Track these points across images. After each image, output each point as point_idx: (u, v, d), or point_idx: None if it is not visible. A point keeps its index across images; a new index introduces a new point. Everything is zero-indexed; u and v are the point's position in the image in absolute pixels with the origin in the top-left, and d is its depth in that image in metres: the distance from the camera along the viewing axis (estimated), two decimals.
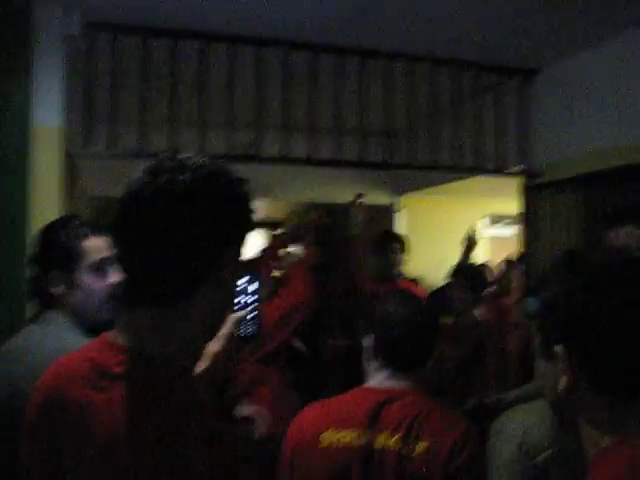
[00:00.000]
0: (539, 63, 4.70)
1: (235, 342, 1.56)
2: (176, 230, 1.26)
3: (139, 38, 3.89)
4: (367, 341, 2.36)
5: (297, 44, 4.14)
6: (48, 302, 2.19)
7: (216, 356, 1.50)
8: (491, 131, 4.76)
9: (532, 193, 4.81)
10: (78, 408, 1.28)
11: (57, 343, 1.97)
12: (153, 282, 1.29)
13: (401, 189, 7.13)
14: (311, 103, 4.22)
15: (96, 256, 2.17)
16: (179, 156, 1.33)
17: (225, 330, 1.52)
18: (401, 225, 7.42)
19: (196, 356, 1.41)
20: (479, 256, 7.35)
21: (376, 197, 6.82)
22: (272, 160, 4.30)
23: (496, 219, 7.91)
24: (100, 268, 2.18)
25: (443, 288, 5.46)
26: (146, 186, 1.28)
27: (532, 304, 3.21)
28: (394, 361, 2.28)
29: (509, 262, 5.89)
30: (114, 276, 2.16)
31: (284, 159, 4.21)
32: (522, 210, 4.95)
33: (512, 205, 5.49)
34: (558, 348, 1.36)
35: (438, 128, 4.78)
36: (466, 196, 7.00)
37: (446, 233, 7.28)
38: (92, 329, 2.08)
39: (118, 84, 3.88)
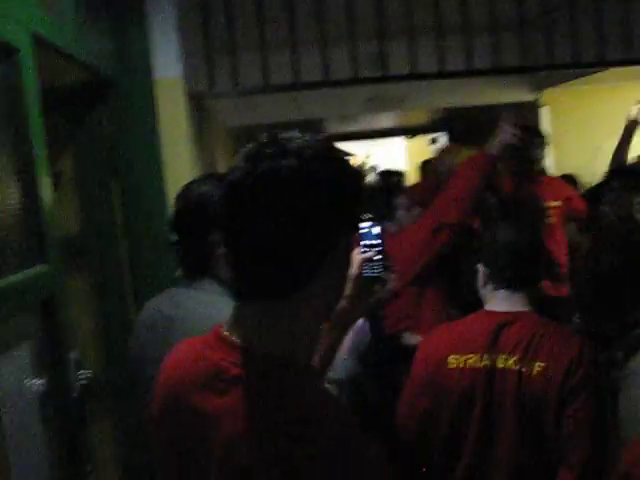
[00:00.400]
0: None
1: (364, 283, 1.58)
2: (285, 220, 1.17)
3: None
4: (479, 267, 2.52)
5: None
6: (200, 268, 2.11)
7: (348, 298, 1.53)
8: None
9: None
10: (194, 413, 1.23)
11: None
12: (265, 276, 1.21)
13: (541, 83, 6.65)
14: (437, 4, 3.93)
15: None
16: (280, 137, 1.24)
17: (353, 271, 1.50)
18: (546, 122, 7.00)
19: (313, 349, 1.35)
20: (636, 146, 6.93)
21: (516, 94, 6.38)
22: (400, 78, 4.05)
23: None
24: None
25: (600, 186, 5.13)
26: (247, 176, 1.20)
27: None
28: (504, 284, 2.41)
29: None
30: None
31: (412, 76, 3.95)
32: None
33: None
34: None
35: (577, 15, 4.25)
36: (614, 83, 6.44)
37: (596, 126, 6.83)
38: None
39: (232, 15, 3.73)
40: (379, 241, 1.60)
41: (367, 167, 13.30)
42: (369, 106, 6.25)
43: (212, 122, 5.33)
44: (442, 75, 3.94)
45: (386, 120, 8.77)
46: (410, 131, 9.61)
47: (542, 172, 5.01)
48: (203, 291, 2.09)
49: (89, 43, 2.96)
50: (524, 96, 6.51)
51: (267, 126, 6.69)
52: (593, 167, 6.67)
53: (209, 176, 2.26)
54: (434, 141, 9.60)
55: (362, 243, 1.59)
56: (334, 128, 8.80)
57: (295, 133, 1.26)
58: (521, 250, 2.41)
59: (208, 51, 3.74)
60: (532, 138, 4.80)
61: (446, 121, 5.80)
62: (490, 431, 2.26)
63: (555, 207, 4.94)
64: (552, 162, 7.09)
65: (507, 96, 5.65)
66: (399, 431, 2.45)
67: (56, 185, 2.98)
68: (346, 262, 1.33)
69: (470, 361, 2.28)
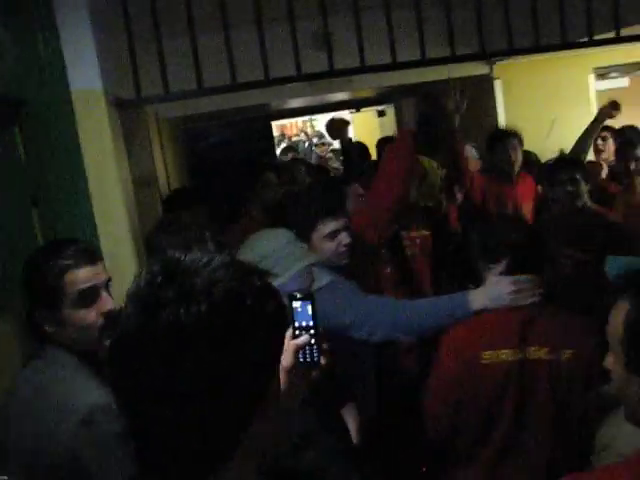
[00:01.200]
0: None
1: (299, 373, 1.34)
2: (196, 383, 0.92)
3: None
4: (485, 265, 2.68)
5: None
6: (45, 338, 2.05)
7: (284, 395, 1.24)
8: None
9: None
10: None
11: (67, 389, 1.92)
12: (177, 453, 0.95)
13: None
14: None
15: (80, 287, 2.01)
16: (178, 265, 0.98)
17: (285, 362, 1.25)
18: (499, 95, 6.76)
19: None
20: (585, 115, 6.77)
21: (469, 68, 6.08)
22: (348, 72, 3.71)
23: (603, 71, 7.07)
24: (87, 299, 2.02)
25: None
26: (143, 331, 0.93)
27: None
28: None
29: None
30: (105, 303, 2.05)
31: (362, 69, 3.60)
32: None
33: (620, 53, 4.78)
34: None
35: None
36: (565, 52, 6.20)
37: (549, 97, 6.63)
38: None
39: (158, 16, 3.33)
40: (312, 322, 1.42)
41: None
42: (314, 90, 5.92)
43: (147, 116, 4.94)
44: (395, 67, 3.59)
45: (331, 94, 8.42)
46: (356, 104, 9.28)
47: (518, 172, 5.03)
48: (52, 362, 2.02)
49: None
50: (477, 70, 6.22)
51: (208, 114, 6.32)
52: (547, 139, 6.52)
53: (55, 245, 2.20)
54: (382, 114, 9.31)
55: (295, 325, 1.41)
56: (277, 105, 8.42)
57: (196, 255, 1.00)
58: (522, 243, 2.58)
59: (132, 56, 3.34)
60: (509, 138, 4.93)
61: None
62: (523, 418, 2.43)
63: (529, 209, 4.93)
64: None
65: (459, 70, 5.35)
66: (429, 424, 2.60)
67: None
68: (281, 405, 1.10)
69: (503, 355, 2.41)
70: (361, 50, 3.57)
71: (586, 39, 3.91)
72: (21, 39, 2.93)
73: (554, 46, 3.90)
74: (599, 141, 5.73)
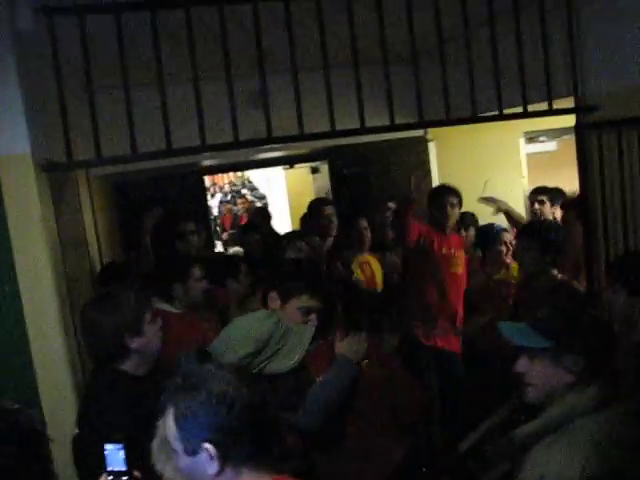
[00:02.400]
0: None
1: None
2: None
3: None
4: None
5: None
6: None
7: None
8: (534, 57, 4.04)
9: (588, 133, 4.05)
10: None
11: None
12: None
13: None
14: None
15: None
16: None
17: None
18: (433, 157, 6.84)
19: None
20: (516, 177, 6.91)
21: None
22: (286, 139, 3.66)
23: (532, 135, 7.25)
24: None
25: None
26: None
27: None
28: None
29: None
30: None
31: (302, 137, 3.56)
32: (578, 154, 4.20)
33: (549, 118, 4.87)
34: None
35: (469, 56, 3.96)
36: None
37: (481, 159, 6.73)
38: None
39: (91, 80, 3.22)
40: (125, 468, 1.43)
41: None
42: (249, 152, 5.85)
43: (76, 174, 4.78)
44: (333, 134, 3.56)
45: (265, 151, 8.37)
46: (290, 161, 9.25)
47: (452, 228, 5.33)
48: None
49: None
50: (413, 132, 6.27)
51: (140, 171, 6.18)
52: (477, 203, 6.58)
53: None
54: (315, 170, 9.30)
55: (108, 469, 1.44)
56: (209, 160, 8.32)
57: None
58: None
59: (64, 119, 3.21)
60: (449, 196, 5.21)
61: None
62: None
63: (461, 257, 5.22)
64: None
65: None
66: None
67: None
68: None
69: None
70: (299, 117, 3.53)
71: (520, 110, 3.96)
72: None
73: (491, 117, 3.94)
74: (536, 205, 5.85)
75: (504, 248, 5.08)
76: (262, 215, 7.92)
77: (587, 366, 2.17)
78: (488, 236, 5.26)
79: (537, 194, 5.96)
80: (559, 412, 2.17)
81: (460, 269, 5.18)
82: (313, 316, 3.04)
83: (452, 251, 5.16)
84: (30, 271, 3.03)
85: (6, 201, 2.95)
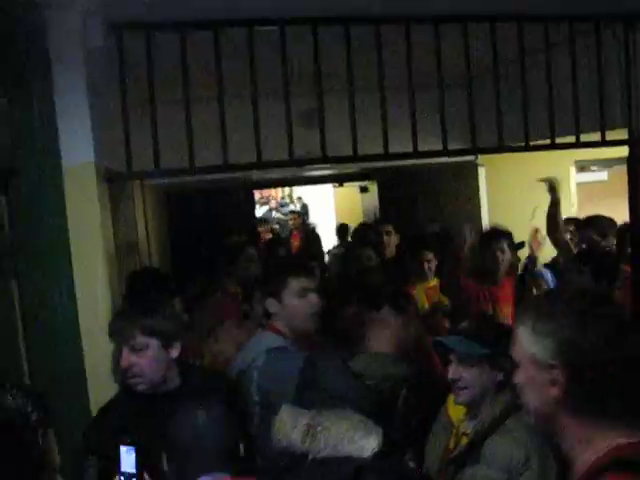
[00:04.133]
0: None
1: None
2: None
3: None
4: None
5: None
6: None
7: None
8: (589, 87, 4.06)
9: None
10: None
11: None
12: None
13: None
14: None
15: None
16: None
17: None
18: (483, 182, 6.87)
19: None
20: (566, 205, 6.88)
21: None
22: (341, 160, 3.74)
23: (584, 164, 7.22)
24: None
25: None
26: None
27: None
28: None
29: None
30: None
31: (355, 158, 3.63)
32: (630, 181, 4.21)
33: (600, 149, 4.87)
34: None
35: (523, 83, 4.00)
36: None
37: (531, 186, 6.70)
38: None
39: (154, 95, 3.34)
40: (135, 470, 1.46)
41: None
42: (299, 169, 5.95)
43: (133, 183, 4.91)
44: (387, 157, 3.62)
45: (315, 168, 8.48)
46: (339, 179, 9.34)
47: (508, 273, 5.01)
48: None
49: None
50: (464, 156, 6.31)
51: (192, 182, 6.32)
52: (526, 229, 6.57)
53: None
54: (364, 189, 9.36)
55: (121, 470, 1.46)
56: (260, 175, 8.45)
57: None
58: None
59: (126, 130, 3.33)
60: (499, 239, 4.90)
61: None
62: None
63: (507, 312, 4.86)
64: (488, 221, 6.97)
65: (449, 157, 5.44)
66: None
67: None
68: None
69: None
70: (354, 138, 3.60)
71: (573, 140, 3.97)
72: (16, 106, 2.91)
73: (543, 146, 3.96)
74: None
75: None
76: (314, 236, 8.09)
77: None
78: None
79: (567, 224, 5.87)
80: (502, 408, 2.50)
81: None
82: (312, 296, 2.98)
83: (497, 309, 4.86)
84: (87, 278, 3.12)
85: (68, 208, 3.06)
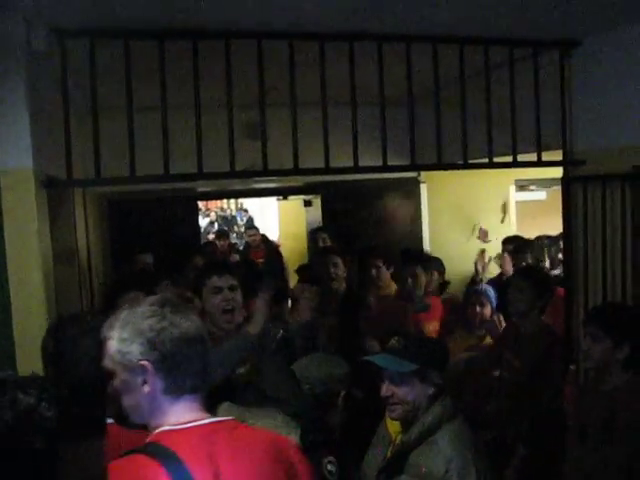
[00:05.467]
0: (580, 34, 4.08)
1: None
2: None
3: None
4: None
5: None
6: None
7: None
8: (525, 111, 4.18)
9: (574, 186, 4.22)
10: None
11: None
12: None
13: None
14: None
15: None
16: None
17: None
18: (424, 198, 6.99)
19: None
20: (507, 223, 7.04)
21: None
22: (281, 173, 3.77)
23: (523, 183, 7.41)
24: None
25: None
26: None
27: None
28: None
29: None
30: None
31: (297, 171, 3.66)
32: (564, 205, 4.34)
33: (539, 169, 5.02)
34: None
35: (464, 109, 4.11)
36: None
37: (472, 204, 6.87)
38: None
39: (97, 102, 3.32)
40: None
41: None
42: (244, 181, 5.96)
43: (73, 191, 4.86)
44: (327, 171, 3.67)
45: (260, 181, 8.49)
46: (283, 192, 9.36)
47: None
48: None
49: None
50: (406, 172, 6.41)
51: (135, 191, 6.27)
52: (467, 243, 6.71)
53: None
54: (308, 203, 9.39)
55: None
56: (204, 186, 8.43)
57: None
58: None
59: (67, 137, 3.31)
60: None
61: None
62: None
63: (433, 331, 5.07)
64: (429, 237, 7.08)
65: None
66: None
67: None
68: None
69: None
70: (295, 151, 3.64)
71: (510, 159, 4.08)
72: None
73: (481, 165, 4.06)
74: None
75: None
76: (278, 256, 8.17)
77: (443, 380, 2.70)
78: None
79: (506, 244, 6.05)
80: (431, 420, 2.62)
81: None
82: (226, 293, 3.32)
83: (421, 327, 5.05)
84: (22, 282, 3.09)
85: (5, 212, 3.02)
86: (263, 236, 10.31)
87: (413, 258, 5.16)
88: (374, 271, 5.16)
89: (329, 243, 6.20)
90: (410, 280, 5.00)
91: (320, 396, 2.71)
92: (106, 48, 3.36)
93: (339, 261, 5.25)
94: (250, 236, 10.22)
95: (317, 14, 3.36)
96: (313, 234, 6.27)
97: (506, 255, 5.93)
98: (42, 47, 3.13)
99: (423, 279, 5.10)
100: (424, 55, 3.77)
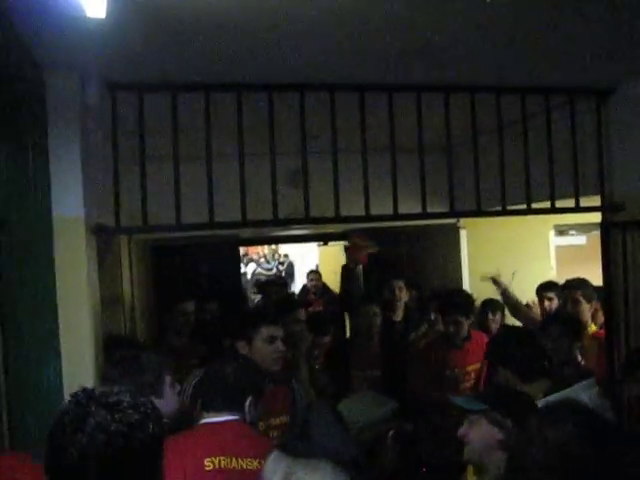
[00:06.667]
0: (614, 82, 4.15)
1: None
2: None
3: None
4: None
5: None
6: None
7: None
8: (563, 159, 4.22)
9: (613, 231, 4.22)
10: None
11: None
12: None
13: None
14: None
15: None
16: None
17: None
18: (464, 244, 6.99)
19: None
20: (544, 269, 6.99)
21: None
22: (322, 220, 3.86)
23: (562, 228, 7.36)
24: None
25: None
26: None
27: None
28: None
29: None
30: None
31: (337, 219, 3.75)
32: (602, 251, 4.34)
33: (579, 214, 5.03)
34: None
35: (503, 157, 4.18)
36: None
37: (511, 250, 6.83)
38: None
39: (145, 152, 3.46)
40: None
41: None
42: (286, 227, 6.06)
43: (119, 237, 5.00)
44: (368, 219, 3.74)
45: (300, 227, 8.60)
46: (323, 238, 9.47)
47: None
48: None
49: None
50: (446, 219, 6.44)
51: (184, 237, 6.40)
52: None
53: None
54: (347, 249, 9.46)
55: None
56: (246, 233, 8.56)
57: None
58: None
59: (116, 188, 3.45)
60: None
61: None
62: None
63: (474, 370, 4.96)
64: (468, 283, 7.07)
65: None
66: None
67: None
68: None
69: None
70: (337, 199, 3.72)
71: (549, 205, 4.11)
72: (12, 161, 2.99)
73: (519, 211, 4.09)
74: (546, 302, 5.80)
75: None
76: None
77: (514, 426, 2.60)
78: None
79: (544, 291, 5.95)
80: (502, 468, 2.49)
81: (469, 383, 4.93)
82: (278, 343, 3.41)
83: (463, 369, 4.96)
84: (72, 327, 3.18)
85: (57, 258, 3.14)
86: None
87: (456, 305, 5.10)
88: (452, 328, 4.95)
89: (405, 292, 6.13)
90: (452, 327, 4.95)
91: (369, 439, 2.73)
92: (154, 100, 3.49)
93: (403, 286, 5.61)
94: (311, 280, 9.37)
95: (358, 66, 3.47)
96: (386, 284, 6.10)
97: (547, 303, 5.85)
98: (94, 100, 3.28)
99: (465, 327, 5.02)
100: (462, 104, 3.85)
